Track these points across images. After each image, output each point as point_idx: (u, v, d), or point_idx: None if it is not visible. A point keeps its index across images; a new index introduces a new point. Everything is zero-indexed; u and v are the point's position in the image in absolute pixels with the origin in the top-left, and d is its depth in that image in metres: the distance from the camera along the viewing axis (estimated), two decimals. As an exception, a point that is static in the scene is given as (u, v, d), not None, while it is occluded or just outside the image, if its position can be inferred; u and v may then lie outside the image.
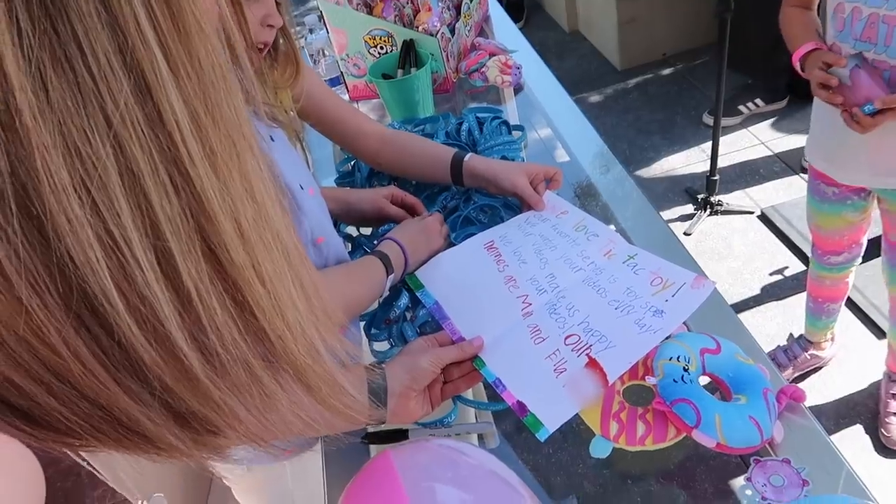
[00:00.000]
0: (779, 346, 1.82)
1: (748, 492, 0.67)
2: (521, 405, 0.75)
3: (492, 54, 1.48)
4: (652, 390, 0.74)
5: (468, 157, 1.02)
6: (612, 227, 1.04)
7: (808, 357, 1.76)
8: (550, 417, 0.73)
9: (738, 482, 0.72)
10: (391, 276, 0.87)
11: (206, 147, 0.27)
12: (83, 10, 0.23)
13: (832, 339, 1.77)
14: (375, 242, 0.95)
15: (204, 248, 0.27)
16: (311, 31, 1.61)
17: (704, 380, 0.77)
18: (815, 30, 1.28)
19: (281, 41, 0.87)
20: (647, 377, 0.75)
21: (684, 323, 0.85)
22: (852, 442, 1.62)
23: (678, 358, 0.73)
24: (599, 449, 0.72)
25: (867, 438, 1.62)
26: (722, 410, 0.69)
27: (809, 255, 1.66)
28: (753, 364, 0.75)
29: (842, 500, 0.54)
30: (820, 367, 1.78)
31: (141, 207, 0.25)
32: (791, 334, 1.83)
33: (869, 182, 1.36)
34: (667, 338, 0.78)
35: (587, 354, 0.77)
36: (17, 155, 0.23)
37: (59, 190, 0.23)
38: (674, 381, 0.71)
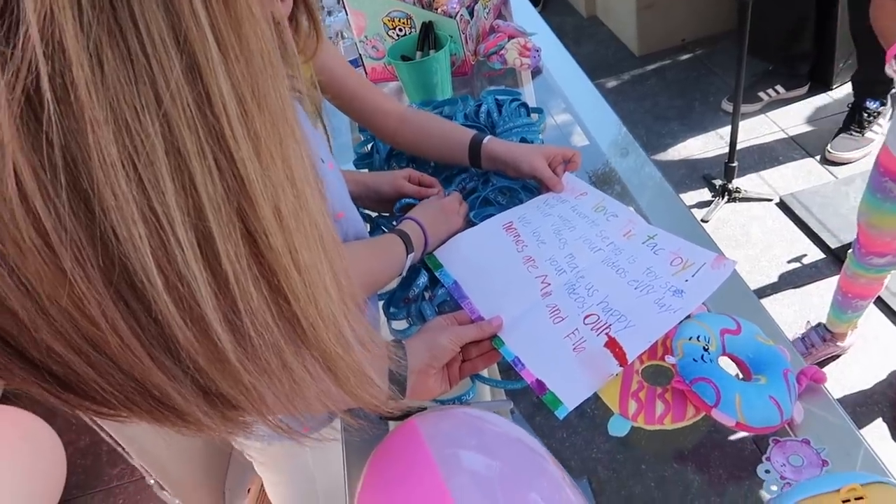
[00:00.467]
0: (796, 335, 1.80)
1: (767, 471, 0.67)
2: (539, 383, 0.75)
3: (510, 37, 1.47)
4: (671, 371, 0.74)
5: (487, 139, 1.02)
6: (632, 209, 1.03)
7: (827, 346, 1.74)
8: (569, 395, 0.73)
9: (756, 465, 0.72)
10: (411, 255, 0.87)
11: (251, 131, 0.27)
12: None
13: (854, 330, 1.75)
14: (394, 223, 0.95)
15: (244, 231, 0.28)
16: (329, 13, 1.61)
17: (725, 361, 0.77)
18: None
19: (302, 14, 0.86)
20: (666, 357, 0.75)
21: (704, 304, 0.84)
22: (869, 431, 1.61)
23: (698, 338, 0.73)
24: (617, 427, 0.72)
25: (884, 427, 1.61)
26: (742, 390, 0.69)
27: (850, 251, 1.61)
28: (774, 345, 0.75)
29: (860, 475, 0.54)
30: (837, 356, 1.77)
31: (185, 187, 0.26)
32: (808, 322, 1.81)
33: None
34: (686, 318, 0.78)
35: (606, 333, 0.77)
36: (69, 128, 0.23)
37: (108, 165, 0.24)
38: (693, 360, 0.71)
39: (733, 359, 0.75)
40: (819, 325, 1.78)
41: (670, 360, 0.74)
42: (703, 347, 0.72)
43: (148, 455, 1.33)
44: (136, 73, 0.24)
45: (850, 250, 1.61)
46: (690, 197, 2.32)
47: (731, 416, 0.68)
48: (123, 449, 1.28)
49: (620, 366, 0.74)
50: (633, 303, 0.80)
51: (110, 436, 1.25)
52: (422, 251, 0.91)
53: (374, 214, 1.10)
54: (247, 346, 0.30)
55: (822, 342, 1.74)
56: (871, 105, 2.25)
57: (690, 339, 0.74)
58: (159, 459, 1.37)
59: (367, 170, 1.22)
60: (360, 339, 0.36)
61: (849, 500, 0.50)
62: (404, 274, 0.90)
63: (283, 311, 0.31)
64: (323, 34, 0.87)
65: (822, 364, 1.77)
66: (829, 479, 0.54)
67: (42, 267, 0.25)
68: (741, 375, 0.76)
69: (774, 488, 0.66)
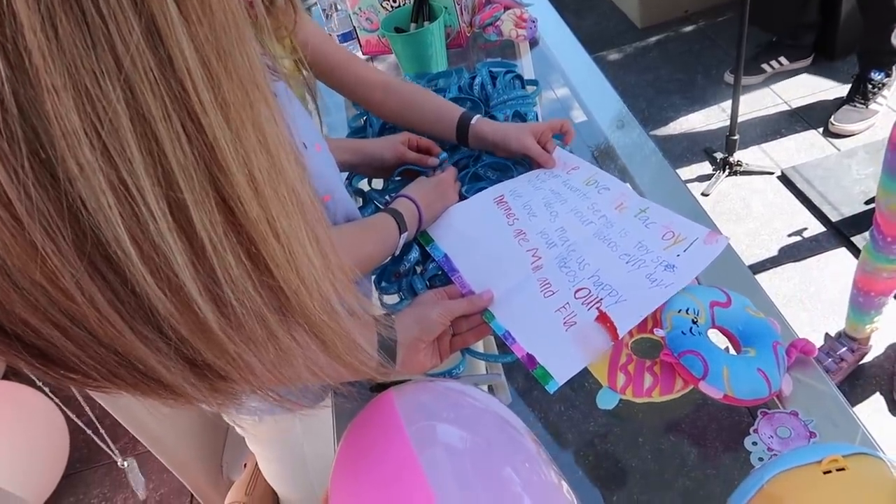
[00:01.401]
0: (820, 350, 1.66)
1: (754, 443, 0.67)
2: (530, 357, 0.75)
3: (506, 7, 1.45)
4: (660, 344, 0.74)
5: (475, 119, 1.01)
6: (628, 185, 1.02)
7: (856, 356, 1.63)
8: (560, 370, 0.73)
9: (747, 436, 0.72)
10: (405, 234, 0.87)
11: (219, 96, 0.26)
12: None
13: (875, 331, 1.63)
14: (388, 199, 0.94)
15: (217, 199, 0.27)
16: (323, -15, 1.58)
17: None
18: None
19: None
20: (655, 330, 0.74)
21: (695, 277, 0.84)
22: (868, 404, 1.61)
23: (687, 310, 0.73)
24: (606, 400, 0.72)
25: (881, 401, 1.61)
26: (730, 362, 0.68)
27: (865, 246, 1.49)
28: (764, 318, 0.74)
29: (842, 446, 0.53)
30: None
31: (153, 155, 0.25)
32: (827, 334, 1.71)
33: None
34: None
35: (597, 308, 0.76)
36: (26, 96, 0.22)
37: (70, 133, 0.23)
38: (682, 333, 0.71)
39: (723, 331, 0.75)
40: (840, 335, 1.66)
41: (659, 332, 0.73)
42: (692, 320, 0.72)
43: (145, 430, 1.34)
44: (93, 36, 0.23)
45: (865, 245, 1.50)
46: (692, 170, 2.30)
47: (718, 389, 0.68)
48: (122, 423, 1.30)
49: (611, 340, 0.74)
50: (625, 277, 0.79)
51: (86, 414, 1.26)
52: (416, 229, 0.91)
53: (365, 189, 1.10)
54: (229, 316, 0.30)
55: (850, 353, 1.62)
56: (876, 76, 2.21)
57: (679, 311, 0.73)
58: (156, 434, 1.38)
59: (361, 142, 1.21)
60: (349, 306, 0.36)
61: (830, 471, 0.50)
62: (397, 253, 0.89)
63: (265, 279, 0.30)
64: (300, 7, 0.85)
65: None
66: (810, 449, 0.54)
67: (10, 240, 0.24)
68: (731, 348, 0.76)
69: (761, 460, 0.66)
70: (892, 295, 1.54)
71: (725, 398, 0.68)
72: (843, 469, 0.50)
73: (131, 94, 0.24)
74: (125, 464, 1.29)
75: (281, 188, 0.30)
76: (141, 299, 0.27)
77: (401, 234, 0.87)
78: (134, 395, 0.33)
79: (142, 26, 0.24)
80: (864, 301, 1.55)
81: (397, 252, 0.89)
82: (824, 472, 0.50)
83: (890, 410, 1.58)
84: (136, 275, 0.26)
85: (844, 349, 1.62)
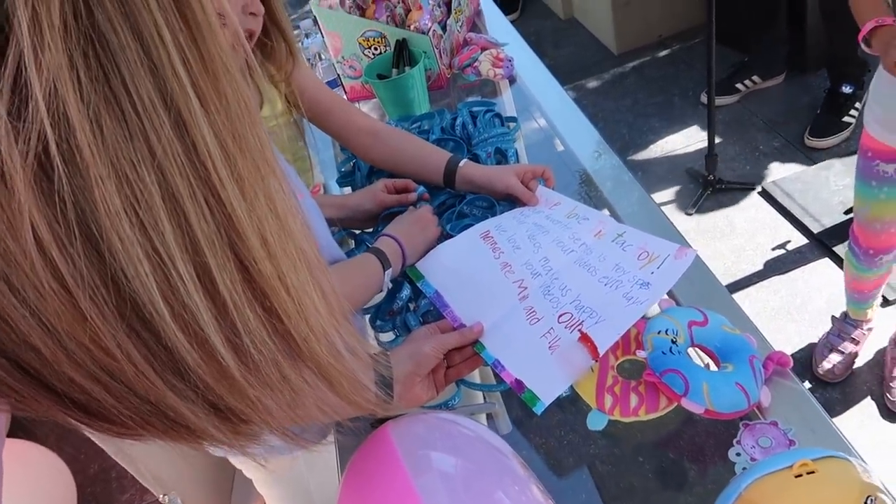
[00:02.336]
0: (831, 332, 1.74)
1: (738, 454, 0.71)
2: (518, 382, 0.79)
3: (483, 48, 1.51)
4: (643, 365, 0.78)
5: (462, 163, 1.06)
6: (606, 211, 1.07)
7: (866, 335, 1.71)
8: (545, 391, 0.77)
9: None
10: (389, 271, 0.91)
11: (235, 173, 0.31)
12: (129, 57, 0.27)
13: (878, 304, 1.71)
14: (374, 238, 0.99)
15: (236, 261, 0.31)
16: (307, 35, 1.65)
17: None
18: (886, 2, 1.19)
19: (278, 37, 0.91)
20: (637, 351, 0.78)
21: (674, 298, 0.88)
22: (861, 409, 1.64)
23: (666, 331, 0.77)
24: (596, 422, 0.76)
25: (873, 405, 1.64)
26: (709, 378, 0.72)
27: (847, 254, 1.53)
28: (740, 333, 0.78)
29: (811, 451, 0.57)
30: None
31: (182, 227, 0.29)
32: (833, 317, 1.76)
33: None
34: (656, 313, 0.81)
35: (579, 329, 0.80)
36: (77, 185, 0.27)
37: (113, 214, 0.27)
38: (662, 353, 0.75)
39: (702, 349, 0.79)
40: (846, 316, 1.72)
41: (641, 354, 0.77)
42: (672, 340, 0.76)
43: (154, 478, 1.37)
44: (131, 131, 0.27)
45: (846, 253, 1.55)
46: (675, 191, 2.36)
47: (699, 404, 0.71)
48: (135, 472, 1.31)
49: (593, 359, 0.78)
50: (604, 298, 0.84)
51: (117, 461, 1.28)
52: (401, 264, 0.95)
53: (357, 231, 1.14)
54: (249, 363, 0.33)
55: (863, 332, 1.70)
56: (847, 90, 2.28)
57: (659, 332, 0.77)
58: (165, 481, 1.40)
59: (349, 188, 1.26)
60: (351, 348, 0.40)
61: (801, 475, 0.53)
62: (385, 290, 0.93)
63: (278, 328, 0.34)
64: (298, 55, 0.91)
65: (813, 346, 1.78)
66: (783, 456, 0.58)
67: (61, 308, 0.28)
68: (711, 364, 0.80)
69: (745, 469, 0.69)
70: (886, 283, 1.60)
71: (707, 412, 0.72)
72: (813, 472, 0.53)
73: (163, 177, 0.28)
74: (167, 499, 1.30)
75: (289, 247, 0.34)
76: (172, 353, 0.31)
77: (385, 270, 0.91)
78: (163, 441, 0.37)
79: (171, 119, 0.28)
80: (859, 297, 1.63)
81: (384, 289, 0.93)
82: (796, 476, 0.54)
83: (882, 416, 1.61)
84: (167, 332, 0.30)
85: (853, 328, 1.70)
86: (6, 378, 0.31)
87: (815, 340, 1.80)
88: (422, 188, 1.09)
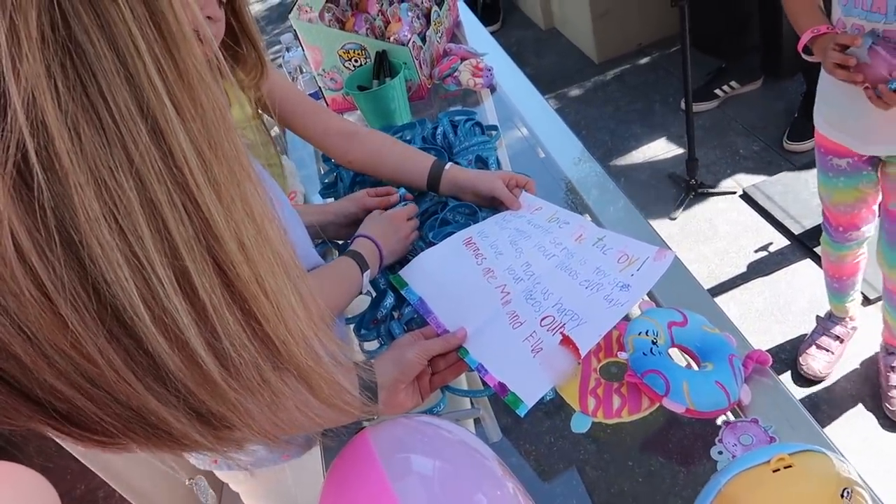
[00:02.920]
0: (815, 331, 1.78)
1: (720, 452, 0.71)
2: (501, 386, 0.80)
3: (463, 58, 1.52)
4: (625, 366, 0.78)
5: (448, 167, 1.07)
6: (588, 217, 1.08)
7: (851, 332, 1.75)
8: (528, 393, 0.77)
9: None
10: (367, 273, 0.91)
11: (212, 178, 0.32)
12: (105, 67, 0.28)
13: (859, 301, 1.76)
14: (349, 242, 0.98)
15: (214, 265, 0.32)
16: (287, 49, 1.66)
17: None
18: (818, 7, 1.26)
19: (248, 45, 0.91)
20: (619, 353, 0.79)
21: (654, 299, 0.89)
22: (864, 420, 1.63)
23: (647, 332, 0.78)
24: (579, 424, 0.77)
25: (871, 416, 1.64)
26: (689, 378, 0.73)
27: (823, 238, 1.61)
28: (719, 333, 0.79)
29: (788, 446, 0.58)
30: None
31: (160, 232, 0.30)
32: (818, 316, 1.80)
33: (886, 150, 1.33)
34: (637, 315, 0.82)
35: (561, 332, 0.81)
36: (57, 192, 0.27)
37: (93, 219, 0.28)
38: (643, 354, 0.76)
39: (682, 349, 0.80)
40: (830, 315, 1.76)
41: (623, 355, 0.78)
42: (652, 341, 0.77)
43: (140, 495, 1.35)
44: (109, 139, 0.28)
45: (822, 237, 1.62)
46: (657, 196, 2.38)
47: (680, 403, 0.72)
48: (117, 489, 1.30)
49: (576, 360, 0.79)
50: (585, 301, 0.84)
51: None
52: (378, 265, 0.95)
53: (339, 242, 1.14)
54: (229, 367, 0.34)
55: (844, 328, 1.74)
56: (822, 93, 2.32)
57: (640, 334, 0.78)
58: (150, 496, 1.39)
59: (332, 198, 1.26)
60: (331, 353, 0.40)
61: (779, 469, 0.54)
62: (364, 291, 0.93)
63: (257, 332, 0.35)
64: (267, 62, 0.92)
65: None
66: (761, 451, 0.59)
67: (41, 315, 0.28)
68: (692, 364, 0.81)
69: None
70: (862, 274, 1.65)
71: (688, 411, 0.72)
72: (790, 466, 0.54)
73: (141, 183, 0.29)
74: (192, 483, 1.28)
75: (266, 251, 0.35)
76: (153, 358, 0.31)
77: (363, 273, 0.91)
78: (146, 449, 0.37)
79: (147, 127, 0.29)
80: (839, 286, 1.67)
81: (366, 289, 0.93)
82: (773, 471, 0.54)
83: (882, 426, 1.61)
84: (148, 336, 0.30)
85: (837, 326, 1.74)
86: None
87: (799, 341, 1.81)
88: (403, 190, 1.09)
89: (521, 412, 0.76)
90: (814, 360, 1.74)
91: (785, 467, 0.54)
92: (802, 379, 1.75)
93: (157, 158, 0.29)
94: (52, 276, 0.28)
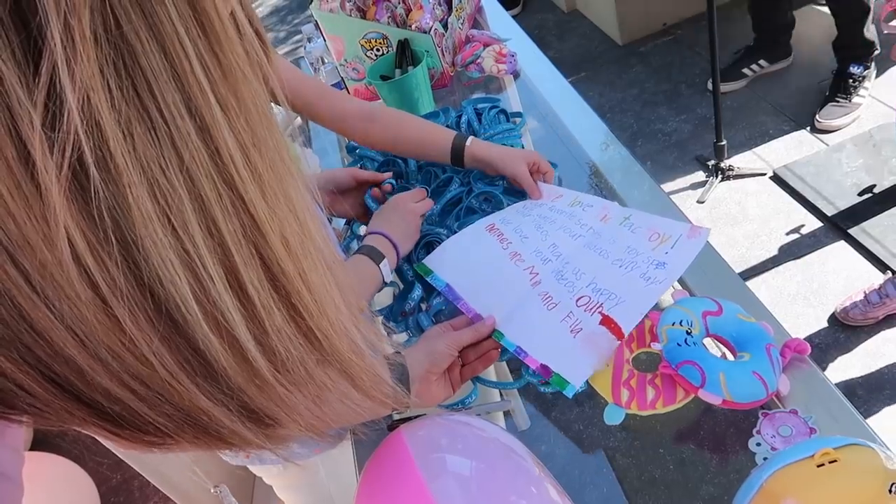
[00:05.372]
0: (872, 287, 1.77)
1: (758, 444, 0.70)
2: (544, 367, 0.79)
3: (486, 45, 1.50)
4: (659, 357, 0.77)
5: (469, 141, 1.06)
6: (615, 202, 1.06)
7: None
8: (574, 374, 0.77)
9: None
10: (385, 262, 0.90)
11: (256, 174, 0.32)
12: (154, 67, 0.28)
13: None
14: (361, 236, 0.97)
15: (261, 262, 0.32)
16: (309, 39, 1.65)
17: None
18: None
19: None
20: (653, 343, 0.78)
21: (687, 288, 0.87)
22: (885, 395, 1.60)
23: (681, 322, 0.76)
24: (612, 416, 0.76)
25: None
26: (726, 368, 0.71)
27: None
28: (755, 322, 0.77)
29: (833, 439, 0.56)
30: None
31: (209, 229, 0.30)
32: (890, 271, 1.79)
33: None
34: (669, 304, 0.81)
35: (600, 312, 0.80)
36: (111, 193, 0.27)
37: (146, 218, 0.28)
38: (678, 344, 0.74)
39: (717, 339, 0.78)
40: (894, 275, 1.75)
41: (656, 346, 0.76)
42: (687, 331, 0.75)
43: (175, 487, 1.37)
44: (160, 138, 0.28)
45: None
46: (685, 179, 2.34)
47: (717, 395, 0.71)
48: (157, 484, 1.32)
49: (617, 340, 0.78)
50: (620, 280, 0.83)
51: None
52: (395, 253, 0.94)
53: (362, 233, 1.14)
54: (277, 362, 0.34)
55: None
56: (856, 70, 2.26)
57: (674, 324, 0.76)
58: (185, 490, 1.41)
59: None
60: (370, 344, 0.40)
61: (823, 464, 0.53)
62: (388, 281, 0.92)
63: (301, 326, 0.35)
64: (270, 48, 0.90)
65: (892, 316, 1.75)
66: (804, 445, 0.57)
67: (96, 317, 0.29)
68: (727, 354, 0.79)
69: (766, 459, 0.68)
70: None
71: (725, 403, 0.71)
72: (835, 461, 0.53)
73: (191, 181, 0.29)
74: (217, 490, 1.31)
75: (309, 246, 0.35)
76: (204, 356, 0.32)
77: (379, 264, 0.90)
78: (196, 448, 0.38)
79: (195, 125, 0.29)
80: None
81: (389, 279, 0.92)
82: (818, 466, 0.53)
83: None
84: (200, 335, 0.31)
85: (893, 288, 1.71)
86: (39, 392, 0.31)
87: (835, 325, 1.77)
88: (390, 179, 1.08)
89: (570, 393, 0.76)
90: (855, 307, 1.73)
91: (830, 462, 0.52)
92: (839, 323, 1.77)
93: (205, 156, 0.30)
94: (107, 278, 0.28)
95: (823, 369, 1.68)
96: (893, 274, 1.76)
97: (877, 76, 2.34)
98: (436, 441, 0.56)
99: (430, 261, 0.98)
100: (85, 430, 0.34)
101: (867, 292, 1.75)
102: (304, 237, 0.34)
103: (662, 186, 1.09)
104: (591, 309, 0.82)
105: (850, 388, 1.66)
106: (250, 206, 0.31)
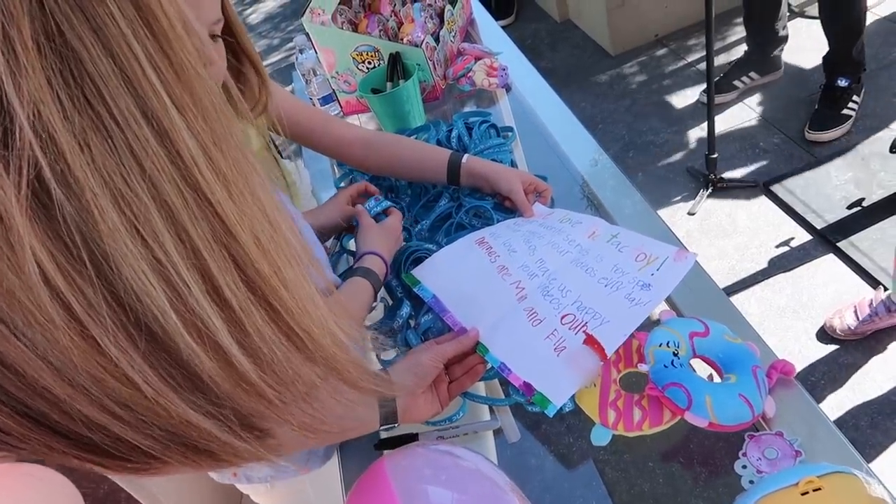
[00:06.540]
0: (869, 305, 1.74)
1: (744, 466, 0.70)
2: (527, 385, 0.79)
3: (477, 58, 1.50)
4: (646, 376, 0.77)
5: (465, 158, 1.07)
6: (603, 217, 1.07)
7: (891, 317, 1.71)
8: (556, 394, 0.77)
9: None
10: (379, 287, 0.92)
11: (220, 174, 0.31)
12: (103, 72, 0.27)
13: None
14: (356, 258, 0.97)
15: (234, 263, 0.32)
16: (300, 50, 1.65)
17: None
18: None
19: (250, 69, 0.88)
20: (640, 364, 0.78)
21: (674, 307, 0.88)
22: (871, 414, 1.59)
23: (667, 343, 0.76)
24: (599, 437, 0.76)
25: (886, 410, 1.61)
26: (712, 391, 0.72)
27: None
28: (742, 343, 0.78)
29: (817, 467, 0.56)
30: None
31: (179, 235, 0.29)
32: (881, 286, 1.77)
33: None
34: (656, 324, 0.81)
35: (584, 331, 0.80)
36: (76, 207, 0.27)
37: (113, 230, 0.27)
38: (664, 366, 0.74)
39: (705, 360, 0.78)
40: (888, 297, 1.73)
41: (643, 367, 0.76)
42: (673, 353, 0.75)
43: (156, 499, 1.36)
44: (117, 146, 0.27)
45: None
46: (676, 191, 2.35)
47: (703, 418, 0.71)
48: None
49: (601, 361, 0.78)
50: (605, 299, 0.83)
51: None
52: (384, 273, 0.95)
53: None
54: (262, 364, 0.34)
55: (886, 312, 1.70)
56: (843, 83, 2.27)
57: (661, 345, 0.77)
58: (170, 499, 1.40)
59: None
60: (352, 336, 0.40)
61: (807, 492, 0.53)
62: (378, 299, 0.92)
63: (281, 325, 0.34)
64: (269, 84, 0.90)
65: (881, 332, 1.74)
66: (788, 473, 0.57)
67: (72, 342, 0.28)
68: (714, 375, 0.79)
69: (752, 482, 0.68)
70: None
71: (711, 426, 0.71)
72: (819, 489, 0.53)
73: (154, 188, 0.28)
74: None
75: (280, 243, 0.34)
76: (189, 367, 0.31)
77: (376, 289, 0.91)
78: (185, 470, 0.36)
79: (153, 130, 0.28)
80: None
81: (377, 299, 0.93)
82: (802, 494, 0.53)
83: None
84: (182, 345, 0.30)
85: (883, 308, 1.71)
86: (13, 428, 0.30)
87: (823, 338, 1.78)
88: (386, 202, 1.09)
89: (551, 412, 0.76)
90: (846, 321, 1.73)
91: (814, 490, 0.53)
92: (830, 339, 1.75)
93: (165, 160, 0.29)
94: (80, 299, 0.27)
95: (810, 383, 1.70)
96: (886, 291, 1.75)
97: (866, 89, 2.35)
98: (417, 472, 0.56)
99: (419, 272, 0.99)
100: (66, 462, 0.33)
101: (857, 308, 1.75)
102: (274, 233, 0.34)
103: (653, 198, 1.10)
104: (575, 328, 0.82)
105: (838, 402, 1.66)
106: (218, 208, 0.31)
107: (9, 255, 0.25)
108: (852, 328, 1.73)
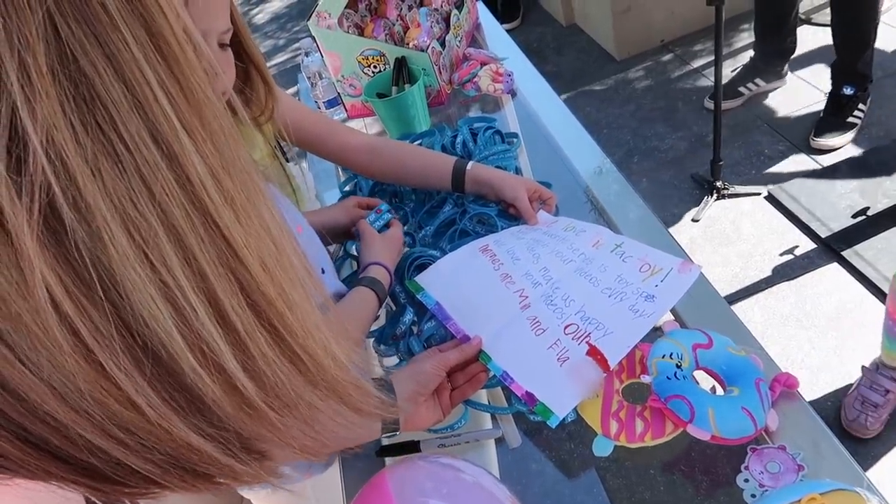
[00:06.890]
0: (862, 384, 1.58)
1: (746, 480, 0.70)
2: (529, 395, 0.79)
3: (483, 63, 1.50)
4: (648, 387, 0.77)
5: (470, 165, 1.07)
6: (606, 224, 1.07)
7: None
8: (559, 404, 0.77)
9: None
10: (384, 297, 0.92)
11: (227, 197, 0.31)
12: (114, 97, 0.27)
13: None
14: (360, 268, 0.98)
15: (240, 286, 0.32)
16: (306, 54, 1.65)
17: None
18: None
19: (257, 77, 0.89)
20: (643, 375, 0.78)
21: (677, 318, 0.87)
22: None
23: (671, 355, 0.76)
24: (601, 448, 0.75)
25: None
26: (715, 404, 0.71)
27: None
28: (746, 355, 0.77)
29: (820, 484, 0.56)
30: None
31: (187, 259, 0.29)
32: (864, 367, 1.60)
33: None
34: (659, 336, 0.81)
35: (587, 342, 0.80)
36: (86, 232, 0.27)
37: (122, 255, 0.27)
38: (667, 378, 0.74)
39: (708, 372, 0.78)
40: (878, 366, 1.57)
41: (646, 378, 0.76)
42: (676, 364, 0.75)
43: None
44: (127, 170, 0.28)
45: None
46: (680, 197, 2.34)
47: (706, 431, 0.71)
48: None
49: (604, 372, 0.78)
50: (609, 310, 0.83)
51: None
52: (388, 284, 0.95)
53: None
54: (266, 387, 0.33)
55: (894, 383, 1.54)
56: (849, 91, 2.27)
57: (664, 356, 0.76)
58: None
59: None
60: (353, 360, 0.40)
61: (809, 510, 0.53)
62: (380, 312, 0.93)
63: (285, 348, 0.34)
64: (276, 92, 0.90)
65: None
66: (790, 490, 0.57)
67: (77, 366, 0.28)
68: (717, 387, 0.79)
69: (754, 496, 0.68)
70: None
71: (713, 439, 0.71)
72: (821, 506, 0.53)
73: (164, 212, 0.28)
74: None
75: (285, 265, 0.34)
76: (192, 391, 0.31)
77: (381, 301, 0.91)
78: (184, 492, 0.36)
79: (162, 154, 0.28)
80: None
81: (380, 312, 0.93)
82: (804, 511, 0.53)
83: None
84: (186, 367, 0.30)
85: (886, 379, 1.55)
86: (12, 453, 0.30)
87: (826, 348, 1.77)
88: (385, 205, 1.09)
89: (553, 423, 0.76)
90: (863, 419, 1.55)
91: (815, 508, 0.52)
92: (848, 435, 1.58)
93: (175, 185, 0.29)
94: (87, 323, 0.27)
95: (814, 392, 1.69)
96: (876, 366, 1.59)
97: (872, 98, 2.35)
98: (418, 484, 0.56)
99: (422, 278, 0.99)
100: (63, 487, 0.33)
101: (863, 394, 1.58)
102: (279, 256, 0.34)
103: (657, 204, 1.10)
104: (578, 338, 0.82)
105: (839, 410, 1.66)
106: (225, 231, 0.31)
107: (18, 280, 0.26)
108: (875, 419, 1.55)
